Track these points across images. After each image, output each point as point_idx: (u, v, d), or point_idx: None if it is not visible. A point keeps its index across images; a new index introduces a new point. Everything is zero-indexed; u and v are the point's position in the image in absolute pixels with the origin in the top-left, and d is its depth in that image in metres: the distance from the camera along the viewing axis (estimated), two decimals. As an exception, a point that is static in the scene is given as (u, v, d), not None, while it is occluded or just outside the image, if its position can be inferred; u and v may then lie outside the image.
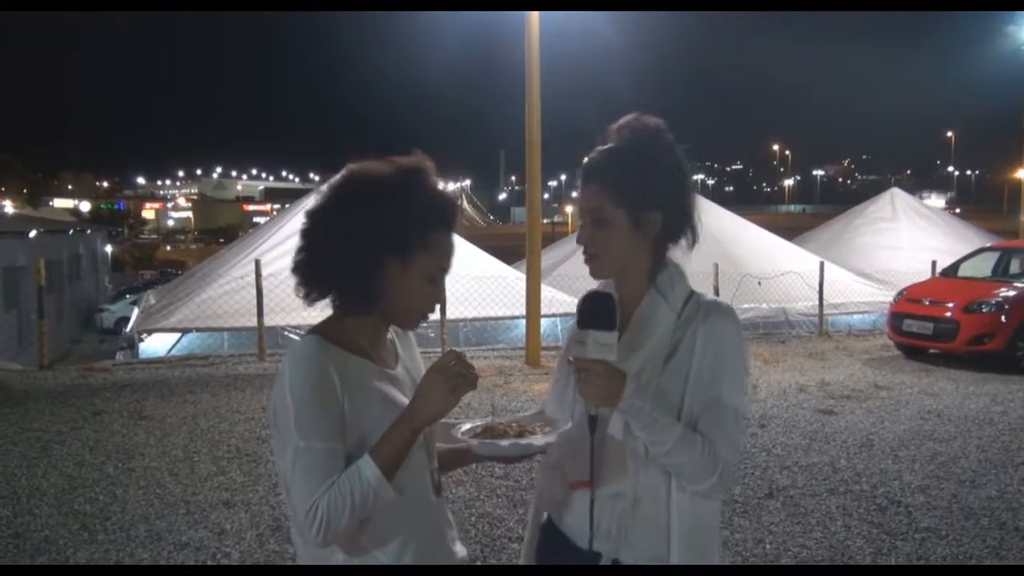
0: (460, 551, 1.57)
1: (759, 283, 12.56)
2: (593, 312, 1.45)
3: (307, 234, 1.43)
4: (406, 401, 1.41)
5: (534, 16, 9.39)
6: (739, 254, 13.33)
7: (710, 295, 1.60)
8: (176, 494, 4.78)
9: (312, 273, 1.42)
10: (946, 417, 6.80)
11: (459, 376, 1.34)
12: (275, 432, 1.38)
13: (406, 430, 1.34)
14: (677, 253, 1.60)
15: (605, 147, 1.56)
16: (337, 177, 1.45)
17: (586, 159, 1.57)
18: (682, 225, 1.57)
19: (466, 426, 1.53)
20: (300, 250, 1.43)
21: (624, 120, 1.57)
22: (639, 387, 1.44)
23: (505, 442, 1.45)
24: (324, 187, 1.46)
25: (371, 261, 1.39)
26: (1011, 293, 9.47)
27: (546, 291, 10.29)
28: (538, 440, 1.45)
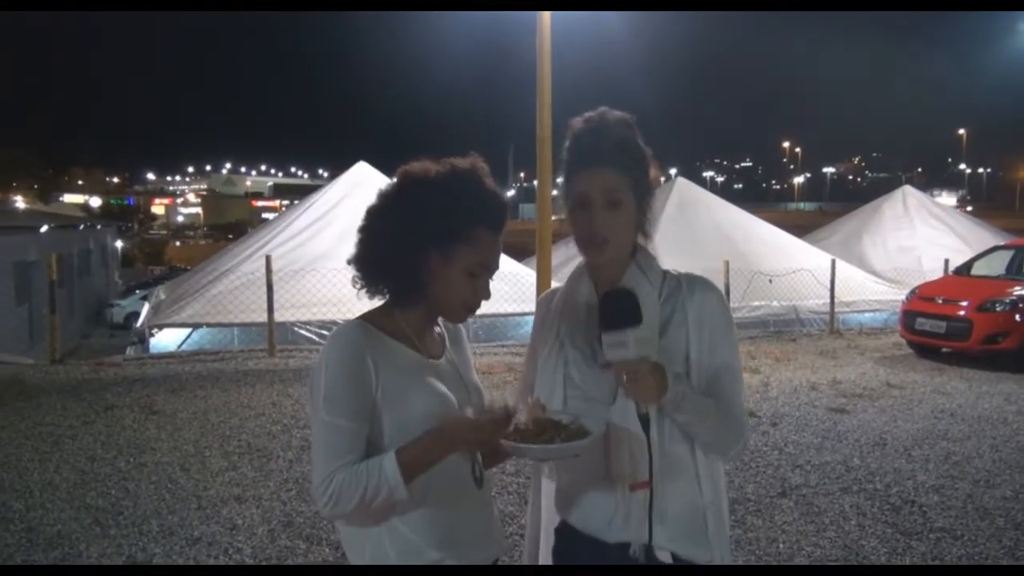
0: (493, 549, 1.57)
1: (770, 281, 12.49)
2: (624, 310, 1.43)
3: (361, 230, 1.51)
4: (446, 391, 1.49)
5: (545, 17, 9.37)
6: (750, 251, 13.26)
7: (682, 269, 1.64)
8: (188, 489, 4.78)
9: (363, 266, 1.50)
10: (960, 416, 6.75)
11: (484, 439, 1.42)
12: (309, 404, 1.46)
13: (436, 445, 1.40)
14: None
15: (605, 133, 1.55)
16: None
17: (583, 143, 1.56)
18: (649, 211, 1.62)
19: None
20: (356, 244, 1.52)
21: (601, 111, 1.59)
22: (675, 375, 1.46)
23: (539, 444, 1.42)
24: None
25: (413, 254, 1.46)
26: (1025, 292, 9.39)
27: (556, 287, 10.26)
28: (576, 444, 1.42)
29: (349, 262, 1.53)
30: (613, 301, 1.46)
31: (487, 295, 1.52)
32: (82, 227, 23.88)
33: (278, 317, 9.72)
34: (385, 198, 1.50)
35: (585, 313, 1.59)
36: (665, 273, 1.60)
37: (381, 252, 1.48)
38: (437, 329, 1.61)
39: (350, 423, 1.39)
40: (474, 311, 1.53)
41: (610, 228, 1.52)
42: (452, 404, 1.49)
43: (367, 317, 1.52)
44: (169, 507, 4.49)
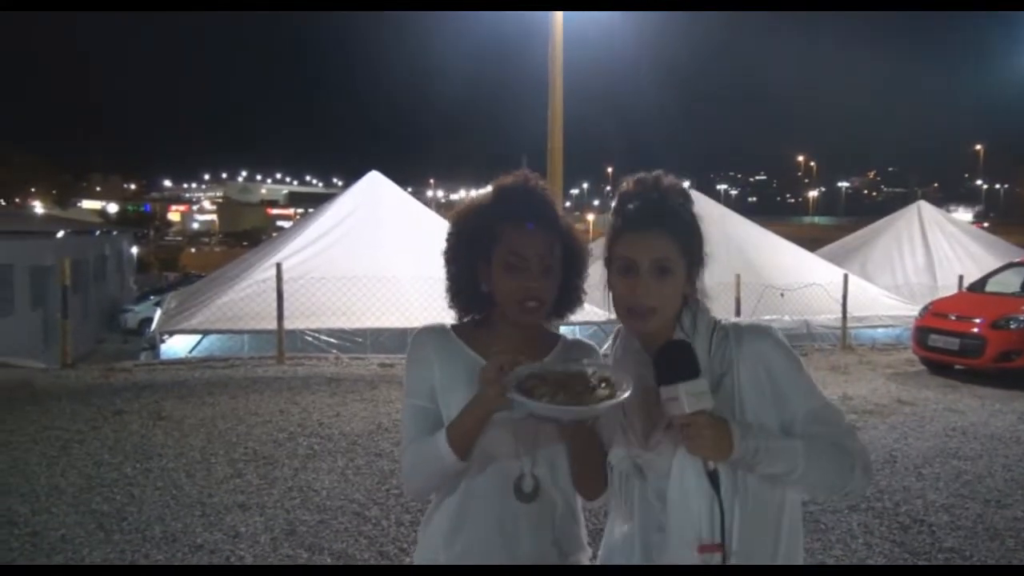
0: (526, 560, 1.54)
1: (782, 295, 12.42)
2: (677, 363, 1.37)
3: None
4: None
5: (558, 23, 9.40)
6: (762, 265, 13.20)
7: (732, 318, 1.55)
8: (192, 495, 4.79)
9: (447, 292, 1.65)
10: (971, 435, 6.66)
11: (496, 377, 1.42)
12: None
13: (467, 414, 1.47)
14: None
15: (660, 196, 1.49)
16: None
17: (634, 204, 1.49)
18: (700, 284, 1.55)
19: (525, 371, 1.44)
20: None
21: (656, 174, 1.53)
22: (743, 426, 1.38)
23: (544, 401, 1.37)
24: None
25: (468, 270, 1.60)
26: (1041, 309, 9.28)
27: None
28: (582, 407, 1.38)
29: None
30: (669, 353, 1.40)
31: (538, 289, 1.53)
32: (98, 233, 24.09)
33: (288, 325, 9.76)
34: (446, 235, 1.66)
35: (634, 367, 1.50)
36: (716, 324, 1.51)
37: (449, 277, 1.63)
38: (534, 338, 1.64)
39: (421, 402, 1.57)
40: (530, 305, 1.54)
41: (656, 297, 1.44)
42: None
43: (455, 325, 1.66)
44: (173, 513, 4.50)
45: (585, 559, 1.62)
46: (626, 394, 1.38)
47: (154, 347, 10.90)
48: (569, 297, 1.63)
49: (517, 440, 1.53)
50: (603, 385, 1.41)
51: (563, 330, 1.84)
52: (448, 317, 1.69)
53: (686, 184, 1.57)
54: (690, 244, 1.49)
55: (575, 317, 1.71)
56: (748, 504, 1.42)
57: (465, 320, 1.64)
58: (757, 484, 1.43)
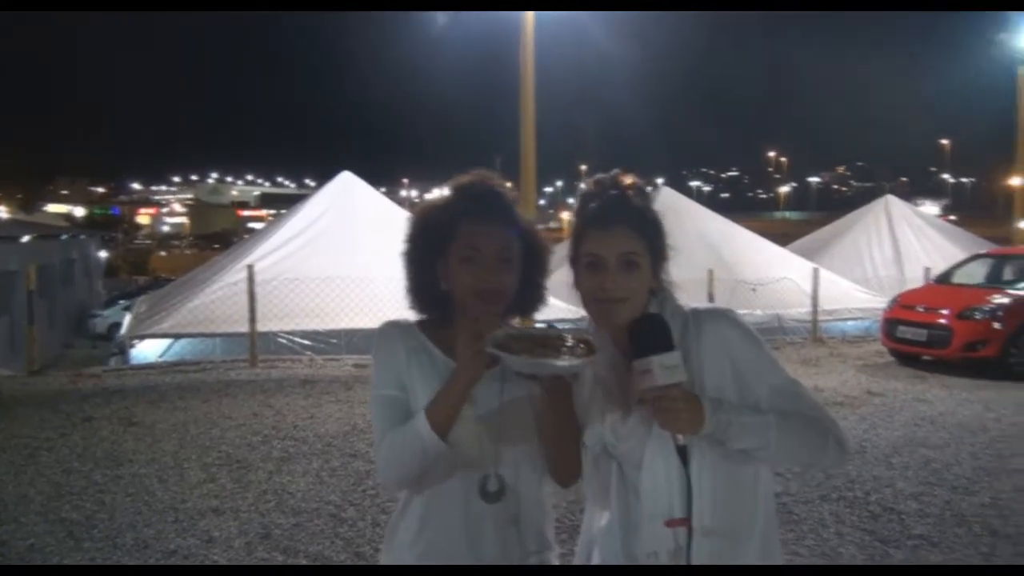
0: (492, 560, 1.54)
1: (754, 289, 12.55)
2: (650, 337, 1.39)
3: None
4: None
5: (529, 23, 9.41)
6: (734, 260, 13.32)
7: (692, 304, 1.56)
8: (165, 501, 4.73)
9: (408, 294, 1.64)
10: (939, 424, 6.79)
11: (473, 341, 1.41)
12: None
13: (446, 390, 1.46)
14: None
15: (621, 193, 1.52)
16: None
17: (597, 202, 1.51)
18: (665, 276, 1.58)
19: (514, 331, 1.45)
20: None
21: (615, 173, 1.56)
22: (716, 402, 1.40)
23: (522, 357, 1.36)
24: None
25: (426, 269, 1.59)
26: (1005, 300, 9.49)
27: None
28: (561, 362, 1.36)
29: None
30: (642, 327, 1.42)
31: (494, 281, 1.53)
32: (65, 237, 23.68)
33: (261, 327, 9.67)
34: (405, 236, 1.65)
35: (609, 357, 1.52)
36: (680, 311, 1.54)
37: (408, 277, 1.63)
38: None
39: (392, 391, 1.54)
40: (487, 296, 1.53)
41: (625, 290, 1.47)
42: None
43: (420, 321, 1.64)
44: (145, 520, 4.44)
45: (554, 558, 1.62)
46: (606, 351, 1.40)
47: (124, 352, 10.72)
48: (532, 295, 1.63)
49: (481, 440, 1.52)
50: (582, 347, 1.41)
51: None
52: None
53: (659, 181, 1.60)
54: (653, 239, 1.52)
55: (546, 315, 1.71)
56: (719, 479, 1.44)
57: (426, 319, 1.64)
58: (729, 459, 1.45)
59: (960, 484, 5.17)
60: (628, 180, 1.54)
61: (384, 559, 1.63)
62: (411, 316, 1.67)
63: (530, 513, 1.57)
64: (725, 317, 1.52)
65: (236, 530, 4.30)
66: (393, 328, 1.62)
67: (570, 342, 1.42)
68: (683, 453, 1.40)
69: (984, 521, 4.51)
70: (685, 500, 1.41)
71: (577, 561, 1.64)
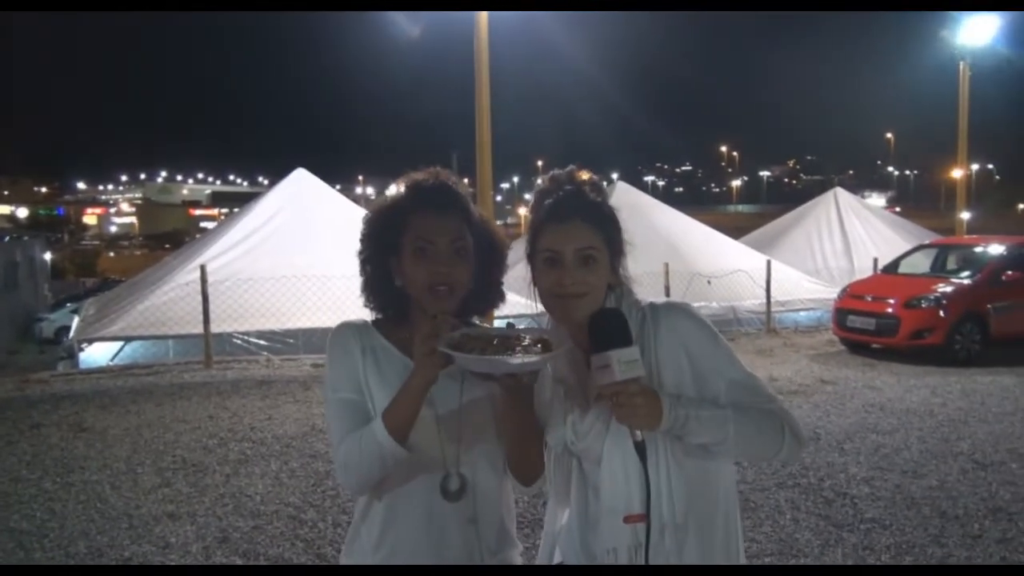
0: (454, 559, 1.53)
1: (709, 282, 12.75)
2: (609, 332, 1.38)
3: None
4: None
5: (483, 17, 9.39)
6: (689, 254, 13.51)
7: (649, 298, 1.56)
8: (118, 508, 4.62)
9: (363, 291, 1.63)
10: (889, 410, 6.99)
11: (427, 341, 1.38)
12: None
13: (403, 393, 1.43)
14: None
15: (577, 189, 1.51)
16: None
17: (555, 198, 1.51)
18: (623, 271, 1.58)
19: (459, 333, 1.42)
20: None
21: (570, 169, 1.56)
22: (673, 397, 1.40)
23: (474, 355, 1.34)
24: None
25: (380, 266, 1.58)
26: (949, 289, 9.80)
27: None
28: (515, 359, 1.34)
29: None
30: (601, 322, 1.41)
31: (448, 273, 1.51)
32: (8, 239, 22.93)
33: (215, 328, 9.48)
34: (360, 235, 1.63)
35: (568, 354, 1.49)
36: (638, 305, 1.54)
37: (364, 275, 1.61)
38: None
39: (349, 394, 1.52)
40: (440, 290, 1.51)
41: (583, 285, 1.46)
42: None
43: (376, 320, 1.63)
44: (98, 527, 4.33)
45: (516, 555, 1.62)
46: (562, 349, 1.39)
47: (72, 356, 10.42)
48: (489, 292, 1.62)
49: (442, 440, 1.51)
50: (539, 346, 1.39)
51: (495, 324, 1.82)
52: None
53: (614, 176, 1.60)
54: (610, 234, 1.52)
55: (505, 311, 1.69)
56: (679, 474, 1.44)
57: (381, 317, 1.62)
58: (689, 454, 1.45)
59: (909, 468, 5.32)
60: (584, 176, 1.54)
61: (345, 563, 1.61)
62: (368, 315, 1.65)
63: (492, 511, 1.57)
64: (682, 311, 1.52)
65: (193, 535, 4.22)
66: (347, 328, 1.60)
67: (527, 341, 1.40)
68: (642, 449, 1.39)
69: (933, 503, 4.65)
70: (644, 496, 1.41)
71: (539, 558, 1.65)
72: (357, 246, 1.62)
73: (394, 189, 1.64)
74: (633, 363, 1.35)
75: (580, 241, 1.47)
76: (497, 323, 1.76)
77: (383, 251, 1.57)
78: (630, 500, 1.43)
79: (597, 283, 1.49)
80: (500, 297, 1.65)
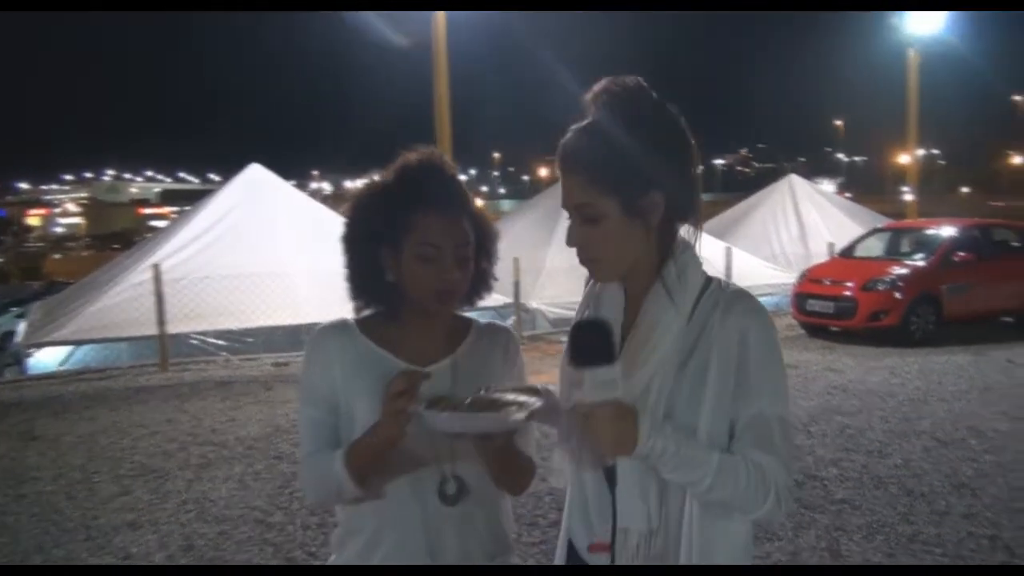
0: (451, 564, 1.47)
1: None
2: (586, 348, 1.20)
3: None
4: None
5: (440, 22, 9.28)
6: (649, 242, 13.57)
7: (733, 284, 1.33)
8: (75, 519, 4.44)
9: (347, 282, 1.52)
10: (851, 391, 7.10)
11: (398, 399, 1.29)
12: None
13: (365, 444, 1.36)
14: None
15: (580, 124, 1.29)
16: None
17: (561, 142, 1.29)
18: (688, 201, 1.30)
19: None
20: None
21: (599, 86, 1.29)
22: (656, 424, 1.21)
23: (445, 413, 1.24)
24: None
25: (369, 257, 1.47)
26: (903, 271, 10.01)
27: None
28: (489, 414, 1.22)
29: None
30: (580, 336, 1.23)
31: (454, 280, 1.44)
32: (-54, 242, 22.04)
33: (171, 329, 9.22)
34: (346, 221, 1.53)
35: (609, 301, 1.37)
36: (707, 286, 1.30)
37: (348, 265, 1.51)
38: (442, 331, 1.54)
39: (316, 413, 1.46)
40: (448, 295, 1.45)
41: (594, 247, 1.28)
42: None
43: (358, 319, 1.54)
44: (54, 540, 4.15)
45: (513, 558, 1.56)
46: (536, 406, 1.24)
47: (20, 362, 10.03)
48: (480, 283, 1.56)
49: (439, 441, 1.42)
50: (524, 397, 1.27)
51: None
52: (345, 311, 1.56)
53: None
54: (618, 179, 1.25)
55: (486, 301, 1.64)
56: (650, 499, 1.28)
57: (367, 314, 1.53)
58: (661, 479, 1.27)
59: (874, 448, 5.40)
60: (590, 97, 1.32)
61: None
62: (345, 311, 1.56)
63: (491, 516, 1.52)
64: (759, 314, 1.29)
65: (156, 544, 4.07)
66: (329, 339, 1.49)
67: (510, 396, 1.27)
68: (609, 473, 1.27)
69: (900, 482, 4.72)
70: (610, 524, 1.29)
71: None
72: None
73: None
74: (608, 384, 1.18)
75: (575, 198, 1.28)
76: (475, 314, 1.68)
77: (375, 242, 1.47)
78: (595, 527, 1.32)
79: (604, 243, 1.28)
80: (489, 289, 1.58)
